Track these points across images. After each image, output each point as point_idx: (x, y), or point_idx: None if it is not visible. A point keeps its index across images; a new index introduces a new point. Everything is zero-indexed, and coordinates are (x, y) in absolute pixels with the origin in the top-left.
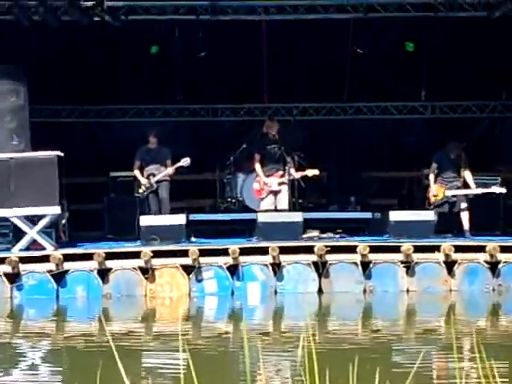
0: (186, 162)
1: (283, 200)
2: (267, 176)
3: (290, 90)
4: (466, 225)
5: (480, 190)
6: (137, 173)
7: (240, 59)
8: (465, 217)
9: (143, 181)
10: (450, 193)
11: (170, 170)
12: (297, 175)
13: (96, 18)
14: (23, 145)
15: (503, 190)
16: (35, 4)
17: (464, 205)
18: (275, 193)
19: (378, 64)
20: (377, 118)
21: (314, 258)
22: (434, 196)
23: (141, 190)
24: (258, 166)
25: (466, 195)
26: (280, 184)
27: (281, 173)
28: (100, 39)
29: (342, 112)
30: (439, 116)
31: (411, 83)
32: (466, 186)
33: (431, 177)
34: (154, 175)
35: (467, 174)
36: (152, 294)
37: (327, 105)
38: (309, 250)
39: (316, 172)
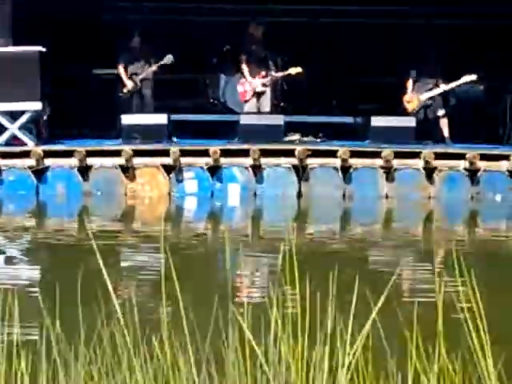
0: (169, 59)
1: (266, 103)
2: (251, 76)
3: None
4: (445, 132)
5: (450, 85)
6: (121, 71)
7: None
8: (444, 124)
9: (127, 80)
10: (423, 96)
11: (154, 67)
12: (280, 74)
13: None
14: (4, 40)
15: (473, 77)
16: None
17: (441, 112)
18: (258, 95)
19: None
20: (367, 22)
21: (294, 161)
22: (408, 102)
23: (125, 90)
24: (244, 67)
25: (443, 102)
26: (263, 85)
27: (263, 74)
28: None
29: (331, 15)
30: (431, 23)
31: None
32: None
33: (409, 83)
34: (137, 74)
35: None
36: (132, 193)
37: (316, 7)
38: (290, 153)
39: (299, 69)
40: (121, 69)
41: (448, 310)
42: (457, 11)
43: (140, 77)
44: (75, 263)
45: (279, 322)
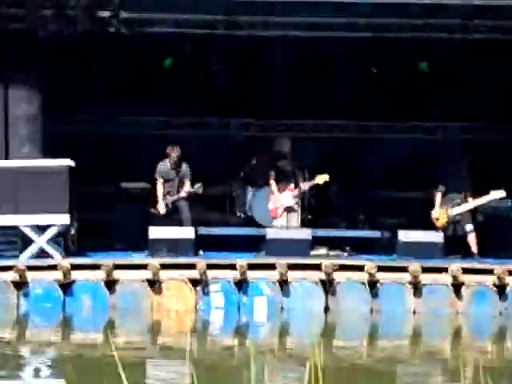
0: (199, 188)
1: (294, 218)
2: (280, 191)
3: (304, 107)
4: (473, 247)
5: (480, 201)
6: (159, 188)
7: (254, 73)
8: (472, 239)
9: (161, 200)
10: (453, 212)
11: (183, 193)
12: (307, 185)
13: (111, 29)
14: (35, 153)
15: (503, 194)
16: (52, 13)
17: (469, 227)
18: (288, 210)
19: (391, 83)
20: (390, 137)
21: (321, 275)
22: (437, 219)
23: (161, 210)
24: (272, 183)
25: (471, 217)
26: (294, 198)
27: (292, 187)
28: (115, 50)
29: (356, 130)
30: (452, 137)
31: (425, 104)
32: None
33: (438, 197)
34: (169, 193)
35: (471, 196)
36: (158, 307)
37: (340, 122)
38: (316, 267)
39: (326, 177)
40: (160, 186)
41: None
42: (482, 126)
43: (173, 199)
44: (100, 378)
45: None
